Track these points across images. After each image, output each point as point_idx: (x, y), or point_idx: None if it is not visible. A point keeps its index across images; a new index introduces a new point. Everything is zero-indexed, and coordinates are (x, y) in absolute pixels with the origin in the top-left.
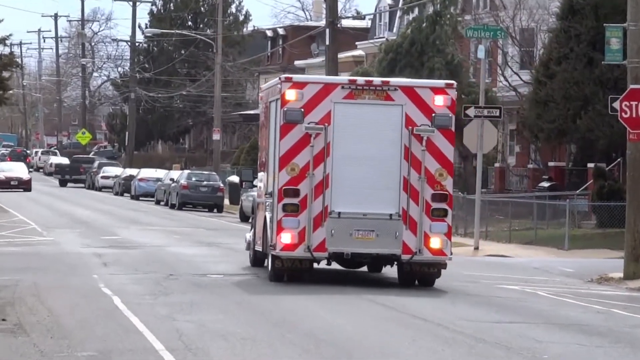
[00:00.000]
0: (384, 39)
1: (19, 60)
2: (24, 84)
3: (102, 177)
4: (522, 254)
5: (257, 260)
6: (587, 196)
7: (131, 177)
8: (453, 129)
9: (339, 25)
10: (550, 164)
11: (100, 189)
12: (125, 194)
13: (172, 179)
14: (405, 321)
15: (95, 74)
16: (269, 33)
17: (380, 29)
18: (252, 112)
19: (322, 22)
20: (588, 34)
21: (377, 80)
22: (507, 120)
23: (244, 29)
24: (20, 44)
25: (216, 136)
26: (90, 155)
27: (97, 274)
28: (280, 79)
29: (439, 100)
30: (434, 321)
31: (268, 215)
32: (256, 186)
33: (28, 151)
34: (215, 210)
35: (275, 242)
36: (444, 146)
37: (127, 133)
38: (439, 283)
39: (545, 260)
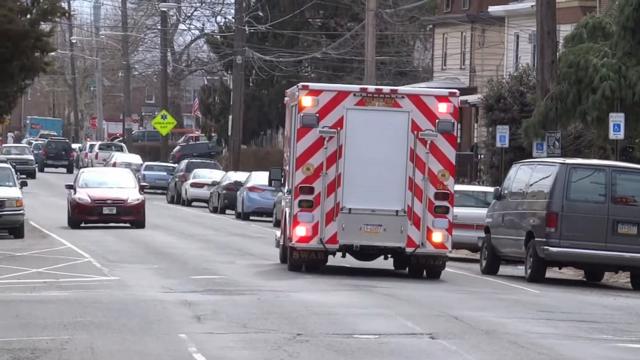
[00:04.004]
0: None
1: (65, 4)
2: (73, 41)
3: (193, 185)
4: None
5: (286, 255)
6: None
7: (237, 185)
8: (455, 133)
9: None
10: None
11: (189, 202)
12: (228, 211)
13: None
14: None
15: (181, 27)
16: None
17: None
18: (422, 84)
19: None
20: None
21: (386, 89)
22: None
23: None
24: None
25: None
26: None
27: (186, 333)
28: (298, 86)
29: (443, 108)
30: None
31: (287, 211)
32: (283, 185)
33: (78, 146)
34: None
35: (292, 234)
36: (447, 149)
37: (230, 117)
38: None
39: None
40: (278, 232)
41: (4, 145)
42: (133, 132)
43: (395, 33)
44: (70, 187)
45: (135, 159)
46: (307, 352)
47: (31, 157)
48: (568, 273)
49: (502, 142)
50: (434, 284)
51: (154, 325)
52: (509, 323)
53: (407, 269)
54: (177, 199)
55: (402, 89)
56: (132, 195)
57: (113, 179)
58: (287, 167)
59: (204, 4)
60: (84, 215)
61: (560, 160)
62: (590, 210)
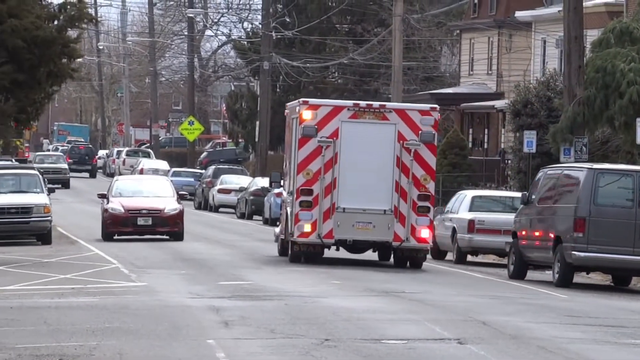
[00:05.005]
0: None
1: (92, 11)
2: (100, 47)
3: (220, 191)
4: None
5: (284, 249)
6: None
7: (264, 191)
8: (435, 143)
9: None
10: None
11: (216, 208)
12: (256, 217)
13: None
14: None
15: (208, 33)
16: None
17: None
18: (449, 90)
19: None
20: None
21: (376, 104)
22: None
23: None
24: None
25: None
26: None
27: (214, 339)
28: (299, 101)
29: (425, 121)
30: None
31: (289, 210)
32: (283, 187)
33: (105, 152)
34: None
35: (293, 230)
36: (428, 157)
37: (257, 123)
38: None
39: None
40: (277, 229)
41: (37, 153)
42: (160, 138)
43: (422, 38)
44: (102, 196)
45: (163, 165)
46: (335, 357)
47: (65, 165)
48: (596, 278)
49: (529, 148)
50: (461, 289)
51: (182, 331)
52: (536, 328)
53: (393, 260)
54: (205, 205)
55: (389, 104)
56: (169, 204)
57: (149, 187)
58: (288, 172)
59: (230, 10)
60: (117, 227)
61: (588, 165)
62: (618, 215)
